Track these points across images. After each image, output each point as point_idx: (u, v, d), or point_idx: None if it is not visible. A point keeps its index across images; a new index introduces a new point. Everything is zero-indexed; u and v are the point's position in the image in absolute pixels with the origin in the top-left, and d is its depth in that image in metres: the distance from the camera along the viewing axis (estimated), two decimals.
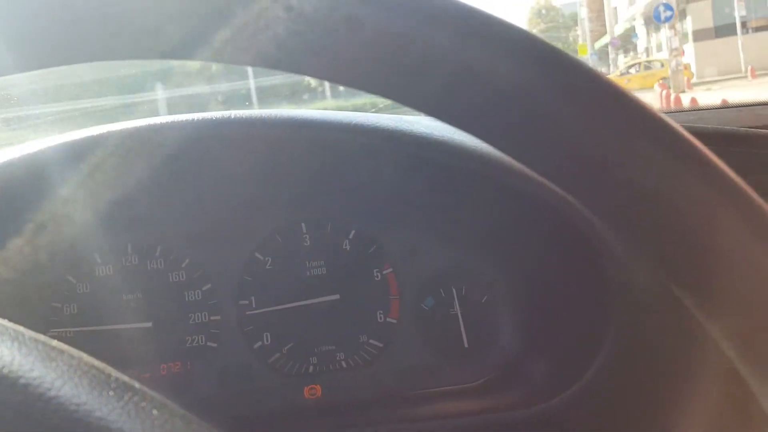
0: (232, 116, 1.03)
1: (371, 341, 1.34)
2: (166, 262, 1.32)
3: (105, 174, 1.07)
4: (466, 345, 1.32)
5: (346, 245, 1.36)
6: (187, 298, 1.31)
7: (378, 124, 1.01)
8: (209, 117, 1.02)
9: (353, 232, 1.36)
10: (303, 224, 1.36)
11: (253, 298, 1.33)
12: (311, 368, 1.32)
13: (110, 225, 1.29)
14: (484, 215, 1.24)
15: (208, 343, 1.31)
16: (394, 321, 1.34)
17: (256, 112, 1.06)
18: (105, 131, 1.01)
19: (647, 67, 24.74)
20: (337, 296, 1.32)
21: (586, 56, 36.13)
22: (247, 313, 1.32)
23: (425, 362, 1.33)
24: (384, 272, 1.36)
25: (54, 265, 1.28)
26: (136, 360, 1.28)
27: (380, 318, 1.34)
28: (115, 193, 1.19)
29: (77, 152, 0.98)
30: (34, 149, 0.99)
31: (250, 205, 1.34)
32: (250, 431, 1.24)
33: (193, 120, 1.01)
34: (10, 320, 1.11)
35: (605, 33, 40.38)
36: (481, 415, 1.20)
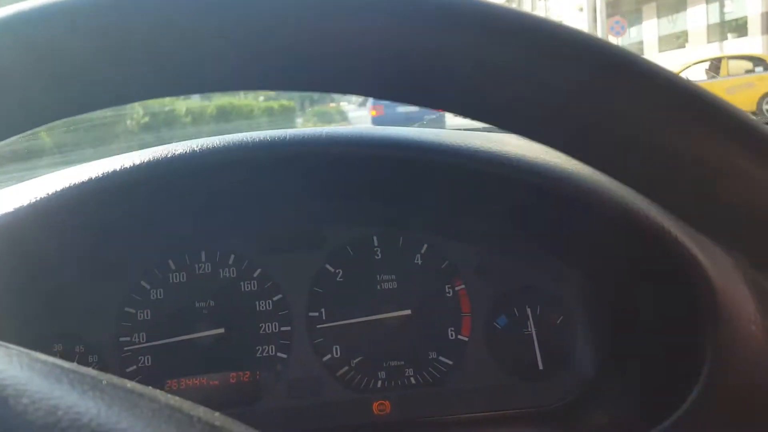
0: (308, 134, 1.03)
1: (441, 358, 1.31)
2: (239, 271, 1.32)
3: (183, 184, 1.08)
4: (540, 367, 1.27)
5: (417, 260, 1.34)
6: (258, 308, 1.31)
7: (454, 143, 0.98)
8: (286, 134, 1.02)
9: (425, 246, 1.33)
10: (375, 237, 1.34)
11: (323, 310, 1.32)
12: (379, 383, 1.30)
13: (185, 232, 1.30)
14: (562, 234, 1.20)
15: (278, 354, 1.30)
16: (465, 339, 1.31)
17: (332, 129, 1.05)
18: (184, 146, 1.01)
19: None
20: (408, 311, 1.29)
21: None
22: (318, 326, 1.31)
23: (497, 383, 1.29)
24: (456, 288, 1.33)
25: (128, 270, 1.30)
26: (206, 368, 1.29)
27: (451, 335, 1.32)
28: (192, 202, 1.20)
29: (157, 162, 0.99)
30: (117, 160, 1.00)
31: (322, 217, 1.34)
32: None
33: (269, 137, 1.01)
34: (83, 325, 1.13)
35: None
36: None
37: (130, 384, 0.38)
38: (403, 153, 0.99)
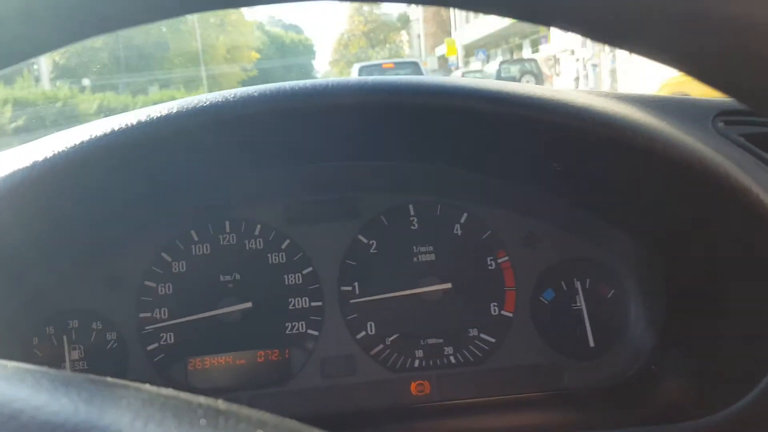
0: (341, 83, 0.91)
1: (483, 336, 1.22)
2: (266, 242, 1.23)
3: (204, 140, 0.97)
4: (591, 344, 1.18)
5: (457, 230, 1.24)
6: (286, 282, 1.22)
7: (505, 90, 0.88)
8: (319, 84, 0.90)
9: (465, 215, 1.24)
10: (411, 206, 1.25)
11: (356, 284, 1.23)
12: (417, 362, 1.21)
13: (208, 200, 1.21)
14: (621, 197, 1.09)
15: (309, 331, 1.21)
16: (510, 315, 1.22)
17: (375, 78, 0.93)
18: (205, 98, 0.90)
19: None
20: (448, 285, 1.20)
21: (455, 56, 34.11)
22: (351, 301, 1.22)
23: (544, 361, 1.20)
24: (499, 261, 1.23)
25: (148, 241, 1.21)
26: (232, 346, 1.20)
27: (494, 311, 1.22)
28: (214, 165, 1.10)
29: (179, 122, 0.88)
30: (139, 118, 0.89)
31: (355, 183, 1.24)
32: (356, 428, 1.14)
33: (294, 88, 0.90)
34: (100, 300, 1.04)
35: (443, 39, 37.70)
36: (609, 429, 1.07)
37: (111, 379, 0.36)
38: (449, 100, 0.88)
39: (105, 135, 0.86)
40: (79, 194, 0.96)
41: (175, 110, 0.87)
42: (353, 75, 16.77)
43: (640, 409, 1.11)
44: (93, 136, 0.86)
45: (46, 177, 0.84)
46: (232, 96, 0.87)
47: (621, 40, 0.44)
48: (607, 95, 0.99)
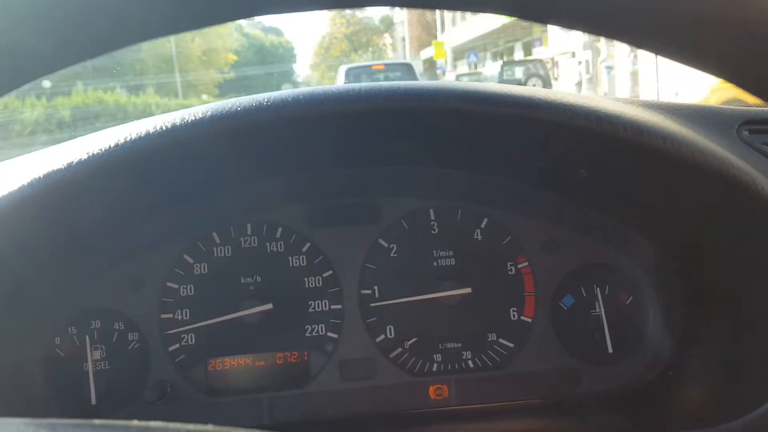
0: (372, 88, 0.91)
1: (501, 341, 1.23)
2: (286, 245, 1.23)
3: (227, 145, 0.97)
4: (610, 350, 1.20)
5: (477, 235, 1.25)
6: (307, 285, 1.22)
7: (537, 96, 0.88)
8: (351, 89, 0.90)
9: (486, 220, 1.25)
10: (431, 210, 1.25)
11: (376, 287, 1.23)
12: (435, 366, 1.22)
13: (230, 203, 1.21)
14: (647, 203, 1.10)
15: (329, 334, 1.21)
16: (529, 320, 1.23)
17: (408, 83, 0.94)
18: (230, 103, 0.90)
19: None
20: (468, 290, 1.21)
21: (443, 59, 33.75)
22: (371, 304, 1.22)
23: (562, 366, 1.21)
24: (519, 266, 1.24)
25: (170, 242, 1.20)
26: (252, 348, 1.20)
27: (513, 316, 1.23)
28: (236, 168, 1.10)
29: (205, 127, 0.87)
30: (167, 122, 0.88)
31: (376, 188, 1.25)
32: (374, 431, 1.14)
33: (327, 92, 0.90)
34: (123, 300, 1.04)
35: (428, 42, 36.90)
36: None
37: (123, 422, 0.36)
38: (480, 106, 0.88)
39: (135, 139, 0.86)
40: (108, 197, 0.95)
41: (201, 115, 0.87)
42: (339, 77, 16.01)
43: (659, 415, 1.12)
44: (123, 140, 0.85)
45: (79, 179, 0.83)
46: (265, 100, 0.87)
47: (651, 41, 0.44)
48: (633, 102, 1.00)
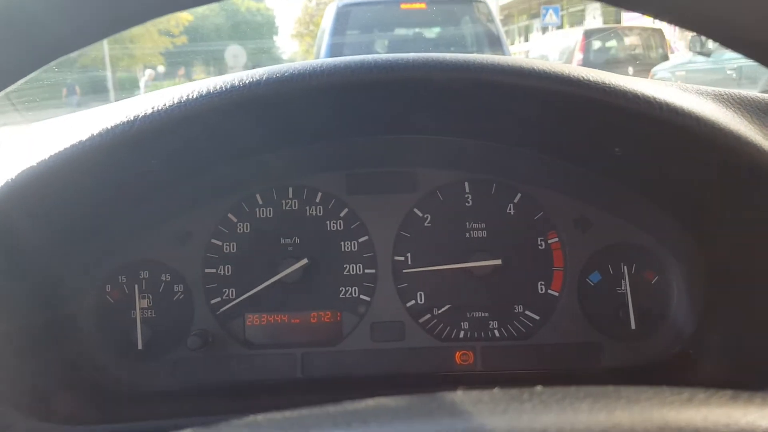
0: (417, 58, 0.94)
1: (527, 312, 1.27)
2: (325, 209, 1.29)
3: (275, 110, 1.01)
4: (633, 327, 1.22)
5: (510, 209, 1.29)
6: (343, 249, 1.28)
7: (577, 73, 0.91)
8: (401, 58, 0.94)
9: (519, 195, 1.28)
10: (466, 183, 1.29)
11: (409, 254, 1.28)
12: (462, 333, 1.27)
13: (273, 166, 1.26)
14: (677, 182, 1.12)
15: (361, 296, 1.27)
16: (556, 294, 1.26)
17: (446, 55, 0.96)
18: (277, 69, 0.94)
19: None
20: (498, 261, 1.25)
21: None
22: (403, 270, 1.27)
23: (585, 340, 1.25)
24: (549, 241, 1.27)
25: (216, 201, 1.27)
26: (288, 306, 1.27)
27: (540, 289, 1.27)
28: (281, 132, 1.15)
29: (250, 84, 0.92)
30: (221, 83, 0.93)
31: (415, 158, 1.29)
32: (401, 390, 1.20)
33: (376, 61, 0.94)
34: (170, 253, 1.09)
35: None
36: None
37: None
38: (524, 80, 0.91)
39: (191, 99, 0.91)
40: (165, 153, 1.02)
41: (258, 77, 0.91)
42: (326, 21, 10.25)
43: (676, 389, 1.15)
44: (179, 100, 0.90)
45: (142, 135, 0.89)
46: (317, 66, 0.91)
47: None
48: (670, 85, 1.02)
